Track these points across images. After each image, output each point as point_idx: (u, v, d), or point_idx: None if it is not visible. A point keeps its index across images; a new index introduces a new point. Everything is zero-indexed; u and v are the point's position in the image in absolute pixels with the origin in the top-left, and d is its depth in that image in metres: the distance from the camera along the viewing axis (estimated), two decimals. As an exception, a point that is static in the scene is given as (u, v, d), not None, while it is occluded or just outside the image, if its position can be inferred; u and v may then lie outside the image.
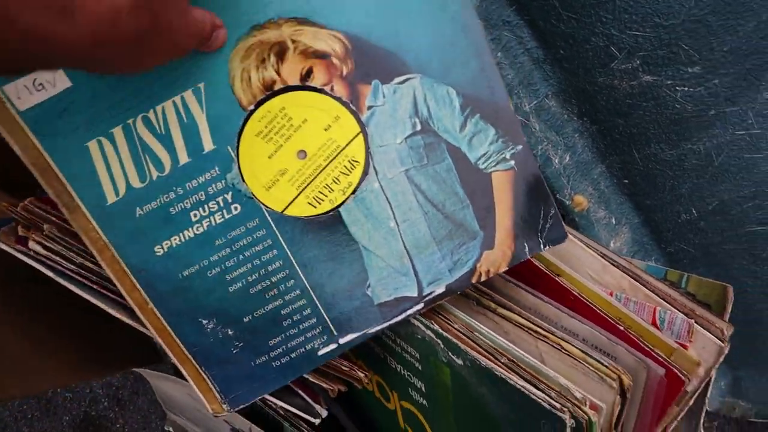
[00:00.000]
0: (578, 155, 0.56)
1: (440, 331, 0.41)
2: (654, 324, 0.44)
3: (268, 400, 0.44)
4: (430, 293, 0.40)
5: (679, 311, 0.44)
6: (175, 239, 0.37)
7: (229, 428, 0.60)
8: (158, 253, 0.37)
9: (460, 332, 0.41)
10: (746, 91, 0.50)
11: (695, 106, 0.51)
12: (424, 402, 0.47)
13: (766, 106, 0.52)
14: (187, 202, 0.36)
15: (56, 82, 0.33)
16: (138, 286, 0.38)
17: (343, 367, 0.45)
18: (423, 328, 0.42)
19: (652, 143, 0.54)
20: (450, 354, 0.41)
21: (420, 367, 0.45)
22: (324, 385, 0.46)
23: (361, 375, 0.46)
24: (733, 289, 0.67)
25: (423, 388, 0.47)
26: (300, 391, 0.46)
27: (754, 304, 0.67)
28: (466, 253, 0.40)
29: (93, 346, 0.57)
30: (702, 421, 0.45)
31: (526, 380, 0.37)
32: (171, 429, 0.77)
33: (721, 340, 0.43)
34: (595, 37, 0.47)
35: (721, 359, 0.43)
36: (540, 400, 0.36)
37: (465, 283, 0.40)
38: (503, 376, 0.37)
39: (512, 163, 0.38)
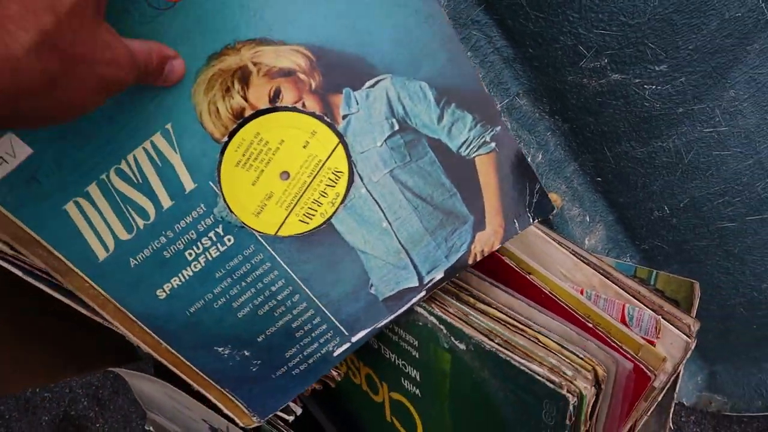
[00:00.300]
0: (551, 153, 0.57)
1: (443, 316, 0.42)
2: (623, 321, 0.45)
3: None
4: (431, 280, 0.41)
5: (648, 308, 0.45)
6: (175, 280, 0.37)
7: (208, 427, 0.60)
8: (161, 297, 0.37)
9: (460, 318, 0.42)
10: (712, 89, 0.51)
11: (663, 104, 0.52)
12: (417, 391, 0.48)
13: (732, 104, 0.52)
14: (179, 244, 0.36)
15: (15, 152, 0.32)
16: (148, 330, 0.38)
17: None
18: (426, 315, 0.43)
19: (623, 141, 0.55)
20: (453, 339, 0.41)
21: (417, 355, 0.46)
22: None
23: (335, 374, 0.47)
24: (708, 285, 0.68)
25: (417, 377, 0.47)
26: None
27: (727, 299, 0.68)
28: (459, 238, 0.40)
29: (70, 345, 0.57)
30: (671, 415, 0.46)
31: (529, 361, 0.38)
32: (152, 428, 0.77)
33: (687, 336, 0.43)
34: (563, 36, 0.47)
35: (688, 355, 0.44)
36: (544, 380, 0.36)
37: (462, 265, 0.41)
38: (507, 358, 0.38)
39: (493, 145, 0.38)
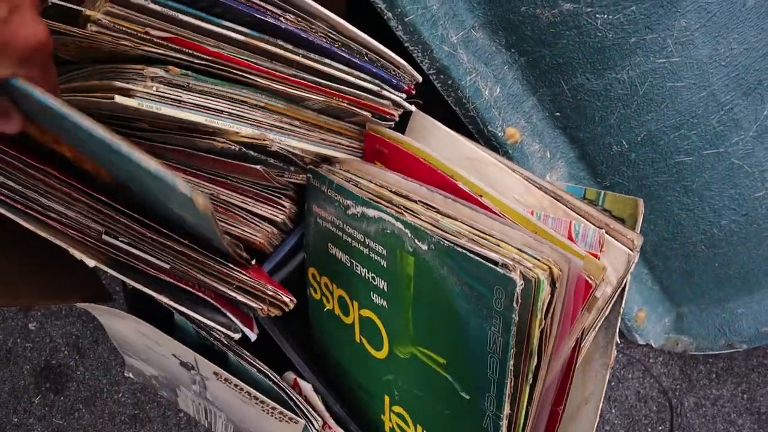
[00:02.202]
0: (508, 87, 0.58)
1: (409, 221, 0.43)
2: (570, 237, 0.46)
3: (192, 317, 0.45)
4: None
5: (594, 225, 0.46)
6: None
7: (178, 363, 0.62)
8: None
9: (427, 222, 0.43)
10: (663, 18, 0.52)
11: (616, 34, 0.53)
12: (384, 303, 0.49)
13: (684, 33, 0.53)
14: None
15: None
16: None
17: (267, 291, 0.47)
18: (393, 221, 0.44)
19: (578, 73, 0.56)
20: (416, 241, 0.43)
21: (385, 265, 0.47)
22: (253, 305, 0.48)
23: (287, 299, 0.48)
24: (669, 222, 0.70)
25: (385, 288, 0.48)
26: (225, 310, 0.47)
27: (689, 237, 0.70)
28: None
29: (45, 275, 0.58)
30: (617, 330, 0.48)
31: (484, 248, 0.39)
32: (131, 374, 0.79)
33: (630, 249, 0.45)
34: (514, -37, 0.48)
35: (632, 267, 0.45)
36: (492, 265, 0.37)
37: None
38: (463, 250, 0.39)
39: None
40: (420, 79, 0.53)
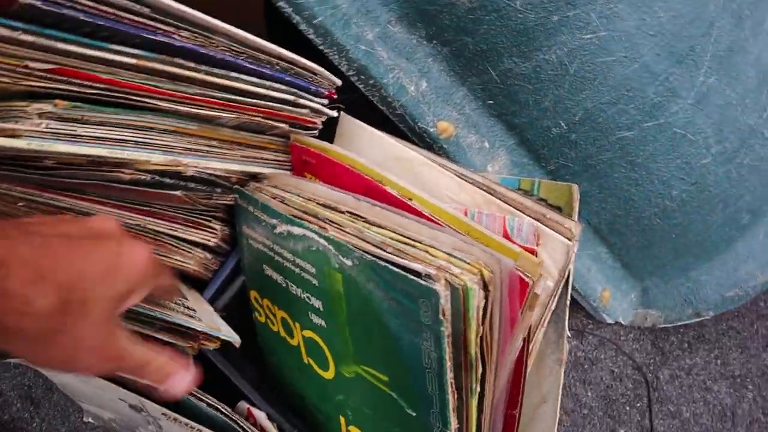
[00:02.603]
0: (435, 80, 0.55)
1: (330, 236, 0.41)
2: (505, 233, 0.44)
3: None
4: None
5: (530, 217, 0.44)
6: None
7: (127, 405, 0.59)
8: None
9: (352, 234, 0.41)
10: (583, -8, 0.50)
11: (537, 14, 0.50)
12: (323, 323, 0.47)
13: (607, 6, 0.51)
14: None
15: None
16: None
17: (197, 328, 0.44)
18: (317, 238, 0.42)
19: (504, 58, 0.53)
20: (341, 257, 0.40)
21: (317, 283, 0.45)
22: (181, 344, 0.45)
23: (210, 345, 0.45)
24: (621, 199, 0.68)
25: (321, 307, 0.46)
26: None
27: (642, 211, 0.68)
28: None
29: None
30: (567, 322, 0.46)
31: (406, 260, 0.37)
32: (91, 419, 0.76)
33: (569, 239, 0.43)
34: (418, -49, 0.46)
35: (573, 257, 0.43)
36: (414, 277, 0.35)
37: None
38: (385, 263, 0.37)
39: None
40: (339, 82, 0.51)
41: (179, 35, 0.43)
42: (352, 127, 0.53)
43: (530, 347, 0.44)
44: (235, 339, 0.46)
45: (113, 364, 0.30)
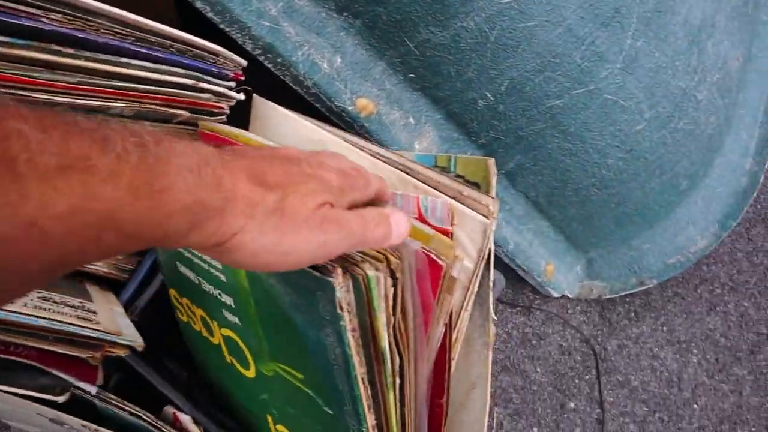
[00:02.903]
0: (350, 56, 0.52)
1: None
2: (419, 214, 0.42)
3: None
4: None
5: (446, 195, 0.42)
6: None
7: (47, 419, 0.55)
8: None
9: None
10: (496, -47, 0.47)
11: (450, -21, 0.48)
12: (237, 320, 0.44)
13: (524, -33, 0.49)
14: None
15: None
16: None
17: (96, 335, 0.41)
18: None
19: (421, 28, 0.51)
20: None
21: (225, 279, 0.42)
22: (81, 355, 0.42)
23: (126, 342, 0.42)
24: (557, 171, 0.67)
25: (233, 304, 0.43)
26: (50, 368, 0.41)
27: (579, 182, 0.67)
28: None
29: None
30: (491, 305, 0.44)
31: None
32: (20, 435, 0.72)
33: (486, 216, 0.40)
34: None
35: (490, 236, 0.41)
36: (310, 269, 0.32)
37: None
38: None
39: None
40: (244, 63, 0.47)
41: (48, 18, 0.39)
42: (266, 109, 0.50)
43: (454, 333, 0.42)
44: (137, 343, 0.43)
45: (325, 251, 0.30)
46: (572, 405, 0.77)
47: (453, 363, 0.43)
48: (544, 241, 0.74)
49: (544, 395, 0.77)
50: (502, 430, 0.76)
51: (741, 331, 0.83)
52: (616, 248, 0.77)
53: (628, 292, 0.78)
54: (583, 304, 0.81)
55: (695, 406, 0.80)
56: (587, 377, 0.79)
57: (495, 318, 0.44)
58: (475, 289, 0.43)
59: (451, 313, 0.41)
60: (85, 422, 0.50)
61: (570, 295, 0.79)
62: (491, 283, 0.43)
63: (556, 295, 0.78)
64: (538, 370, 0.78)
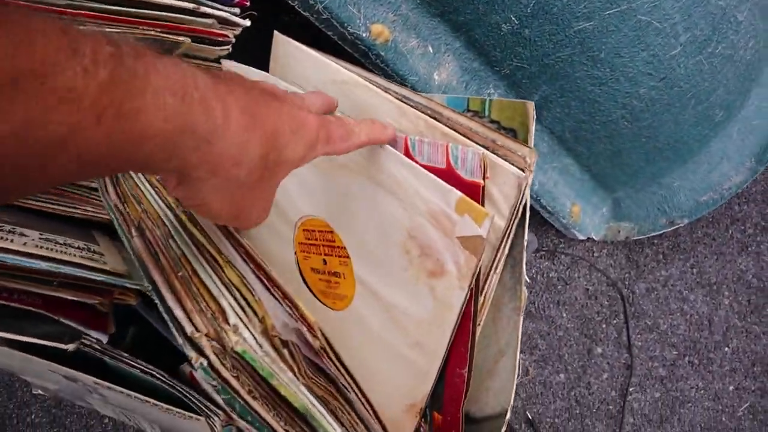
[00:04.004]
0: (363, -24, 0.48)
1: None
2: (448, 164, 0.38)
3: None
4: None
5: (478, 144, 0.38)
6: None
7: (61, 376, 0.54)
8: None
9: None
10: None
11: None
12: None
13: None
14: None
15: None
16: None
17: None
18: None
19: (439, -58, 0.46)
20: None
21: None
22: (88, 301, 0.39)
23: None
24: (585, 102, 0.62)
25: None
26: (57, 316, 0.38)
27: (609, 114, 0.62)
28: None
29: None
30: (524, 266, 0.40)
31: None
32: (40, 391, 0.71)
33: (522, 170, 0.36)
34: None
35: (526, 191, 0.37)
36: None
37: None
38: None
39: None
40: (248, -16, 0.43)
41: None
42: (287, 48, 0.46)
43: (481, 297, 0.39)
44: (146, 287, 0.41)
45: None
46: (599, 350, 0.75)
47: (478, 330, 0.40)
48: (569, 180, 0.70)
49: (571, 341, 0.75)
50: (528, 376, 0.74)
51: (773, 272, 0.80)
52: (645, 187, 0.73)
53: (656, 233, 0.74)
54: (609, 247, 0.78)
55: (726, 349, 0.78)
56: (615, 322, 0.76)
57: (528, 281, 0.41)
58: (506, 250, 0.39)
59: (479, 275, 0.38)
60: (97, 380, 0.48)
61: (596, 238, 0.76)
62: (525, 243, 0.39)
63: (581, 237, 0.75)
64: (564, 315, 0.75)
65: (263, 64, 0.47)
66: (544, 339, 0.75)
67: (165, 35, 0.42)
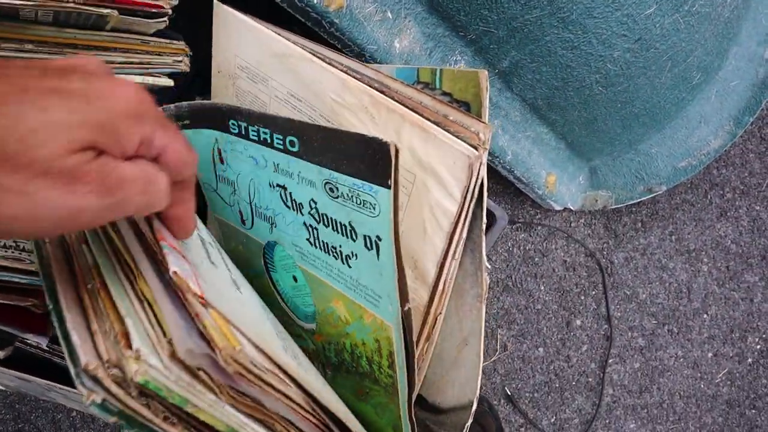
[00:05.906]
0: (311, -65, 0.44)
1: None
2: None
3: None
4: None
5: (429, 120, 0.35)
6: None
7: (16, 378, 0.51)
8: None
9: None
10: None
11: None
12: None
13: None
14: None
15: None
16: None
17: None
18: None
19: None
20: None
21: None
22: (21, 304, 0.36)
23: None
24: (557, 67, 0.59)
25: None
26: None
27: (582, 79, 0.59)
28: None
29: None
30: (484, 252, 0.37)
31: None
32: (2, 387, 0.68)
33: (475, 147, 0.33)
34: None
35: (481, 170, 0.34)
36: None
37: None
38: None
39: None
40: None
41: None
42: (228, 18, 0.42)
43: (441, 285, 0.36)
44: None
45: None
46: (578, 322, 0.74)
47: (440, 318, 0.37)
48: (544, 149, 0.68)
49: (549, 314, 0.73)
50: (506, 351, 0.72)
51: (753, 237, 0.79)
52: (621, 154, 0.71)
53: (634, 201, 0.72)
54: (587, 217, 0.76)
55: (705, 316, 0.77)
56: (593, 293, 0.74)
57: (488, 266, 0.38)
58: (464, 235, 0.36)
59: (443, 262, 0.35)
60: (49, 382, 0.45)
61: (573, 208, 0.74)
62: (484, 226, 0.36)
63: (558, 208, 0.73)
64: (542, 288, 0.74)
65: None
66: (522, 313, 0.73)
67: (87, 8, 0.38)
